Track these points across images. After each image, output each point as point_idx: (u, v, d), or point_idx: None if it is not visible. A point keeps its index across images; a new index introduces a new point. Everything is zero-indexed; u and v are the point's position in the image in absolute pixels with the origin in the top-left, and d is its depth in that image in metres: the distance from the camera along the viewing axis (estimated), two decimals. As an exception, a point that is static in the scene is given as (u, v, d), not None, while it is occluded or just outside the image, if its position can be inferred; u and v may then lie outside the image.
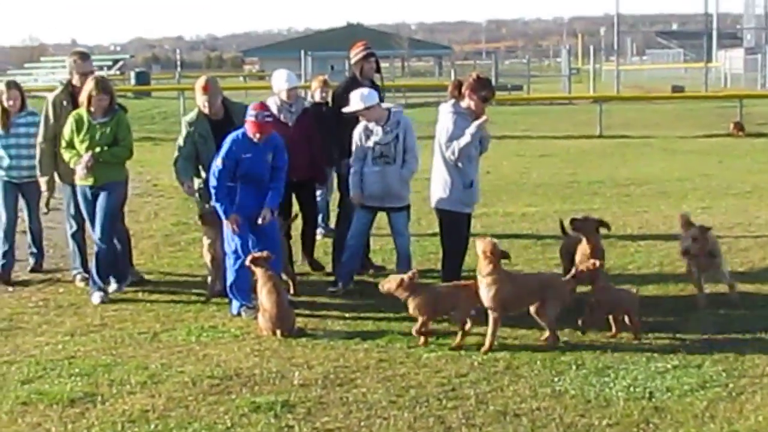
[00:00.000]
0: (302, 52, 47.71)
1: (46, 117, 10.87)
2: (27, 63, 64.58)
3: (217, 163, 9.78)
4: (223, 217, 9.80)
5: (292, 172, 10.40)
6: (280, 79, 11.08)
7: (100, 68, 52.25)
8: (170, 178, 19.83)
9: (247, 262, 9.36)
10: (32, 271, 11.79)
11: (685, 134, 29.72)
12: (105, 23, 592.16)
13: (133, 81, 50.57)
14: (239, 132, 9.79)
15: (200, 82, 10.58)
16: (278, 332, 8.98)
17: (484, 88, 9.77)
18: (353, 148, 10.56)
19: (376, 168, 10.41)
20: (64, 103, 10.81)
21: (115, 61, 59.17)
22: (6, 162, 11.40)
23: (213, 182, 9.82)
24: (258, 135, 9.62)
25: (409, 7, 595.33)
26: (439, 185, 9.93)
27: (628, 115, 34.75)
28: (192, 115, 10.62)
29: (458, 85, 9.91)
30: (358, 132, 10.49)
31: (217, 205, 9.82)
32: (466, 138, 9.58)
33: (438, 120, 9.95)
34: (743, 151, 25.29)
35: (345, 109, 10.57)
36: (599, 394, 7.37)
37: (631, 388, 7.47)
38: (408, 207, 10.81)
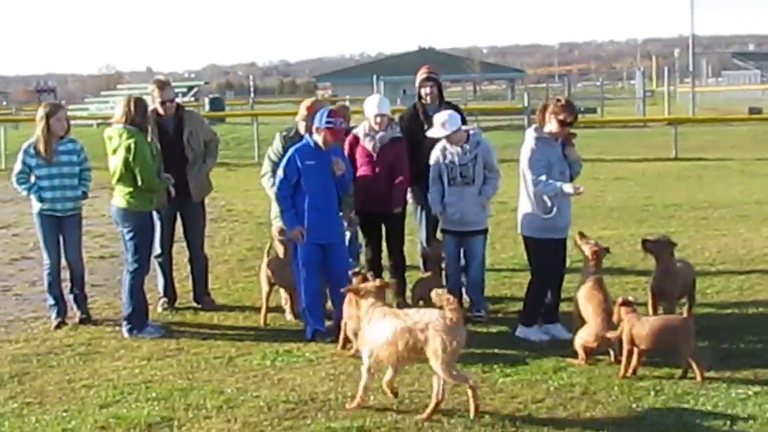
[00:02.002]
0: (374, 76, 47.92)
1: None
2: (104, 91, 65.61)
3: (279, 173, 9.88)
4: (287, 228, 9.87)
5: (374, 203, 10.47)
6: (371, 105, 10.80)
7: (175, 95, 52.93)
8: (244, 203, 20.20)
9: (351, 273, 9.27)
10: (60, 323, 10.67)
11: (763, 156, 29.22)
12: (179, 50, 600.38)
13: (207, 107, 51.04)
14: (300, 144, 9.91)
15: (307, 102, 10.73)
16: None
17: (563, 112, 9.63)
18: (431, 167, 10.51)
19: (455, 189, 10.40)
20: (149, 128, 10.90)
21: (190, 88, 59.77)
22: (49, 194, 10.58)
23: (277, 193, 9.94)
24: (333, 141, 9.77)
25: (481, 30, 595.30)
26: (522, 211, 9.81)
27: (704, 138, 34.35)
28: (291, 129, 10.72)
29: (543, 109, 9.81)
30: (436, 153, 10.47)
31: (283, 218, 9.90)
32: (551, 189, 9.45)
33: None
34: (823, 174, 24.82)
35: (429, 133, 10.52)
36: (679, 421, 7.25)
37: (712, 416, 7.35)
38: (485, 231, 10.76)
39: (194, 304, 11.37)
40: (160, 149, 10.75)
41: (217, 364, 9.07)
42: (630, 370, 8.32)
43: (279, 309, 10.70)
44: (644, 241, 9.92)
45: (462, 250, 10.69)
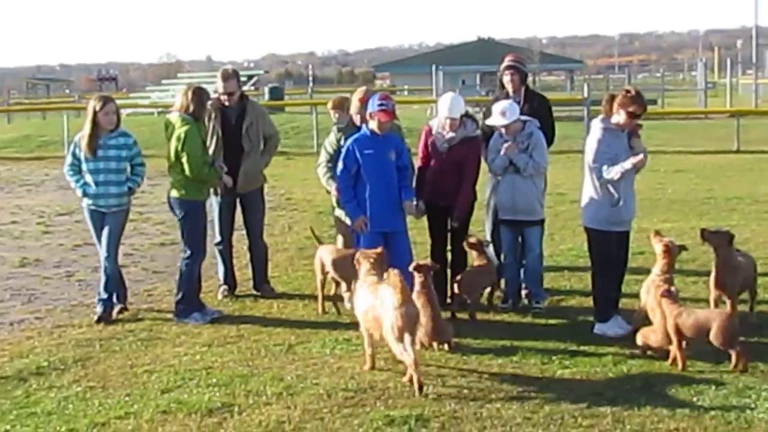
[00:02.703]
0: (433, 67, 47.78)
1: None
2: (164, 80, 66.10)
3: (339, 165, 9.99)
4: (349, 220, 9.93)
5: (437, 197, 10.46)
6: (443, 106, 10.49)
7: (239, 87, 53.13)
8: (303, 192, 20.30)
9: (411, 268, 9.18)
10: (98, 320, 10.38)
11: (826, 149, 28.87)
12: (239, 40, 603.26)
13: (267, 96, 51.26)
14: (358, 135, 10.00)
15: (359, 94, 10.75)
16: (435, 344, 9.01)
17: (633, 103, 9.52)
18: (488, 155, 10.54)
19: (507, 177, 10.40)
20: (213, 114, 11.04)
21: (250, 77, 60.01)
22: (92, 189, 10.44)
23: (339, 184, 10.05)
24: (386, 122, 9.84)
25: (541, 21, 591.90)
26: (586, 202, 9.69)
27: (767, 130, 33.92)
28: (344, 122, 10.80)
29: (610, 100, 9.69)
30: (494, 140, 10.50)
31: (344, 208, 9.96)
32: (614, 173, 9.38)
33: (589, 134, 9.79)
34: None
35: (488, 122, 10.57)
36: (740, 416, 7.18)
37: (774, 410, 7.28)
38: (542, 222, 10.72)
39: (254, 292, 11.46)
40: (221, 136, 10.87)
41: (277, 351, 9.13)
42: (680, 362, 8.29)
43: (339, 297, 10.74)
44: (703, 231, 9.83)
45: (522, 243, 10.67)
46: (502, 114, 10.33)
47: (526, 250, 10.67)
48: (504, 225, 10.66)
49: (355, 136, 10.02)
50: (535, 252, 10.66)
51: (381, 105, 9.83)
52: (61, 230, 16.33)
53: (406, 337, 7.86)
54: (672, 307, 8.45)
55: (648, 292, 9.01)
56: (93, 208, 10.50)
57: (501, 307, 10.60)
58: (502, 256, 10.81)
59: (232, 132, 11.07)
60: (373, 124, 9.89)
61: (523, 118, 10.54)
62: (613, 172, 9.31)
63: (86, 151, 10.32)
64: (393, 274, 8.12)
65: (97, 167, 10.36)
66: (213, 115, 11.00)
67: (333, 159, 10.52)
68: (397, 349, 7.92)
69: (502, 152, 10.20)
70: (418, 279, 9.14)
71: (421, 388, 7.74)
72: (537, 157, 10.42)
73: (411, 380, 7.84)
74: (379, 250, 8.91)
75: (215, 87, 11.32)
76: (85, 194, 10.46)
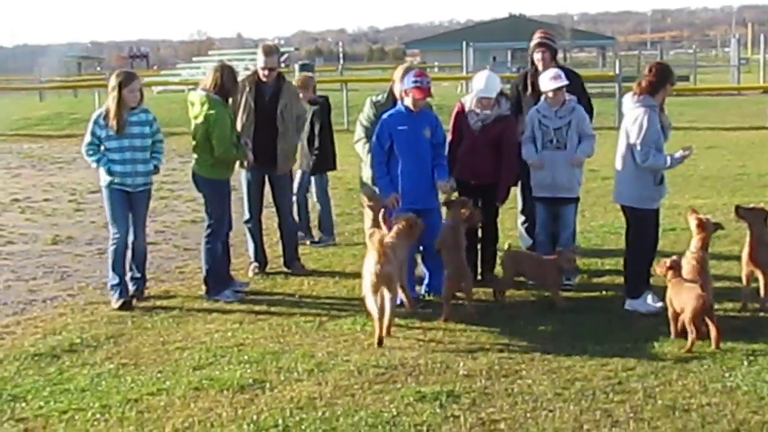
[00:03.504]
0: (464, 43, 47.56)
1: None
2: (195, 57, 66.23)
3: (372, 140, 9.97)
4: (382, 195, 9.92)
5: (470, 175, 10.39)
6: (478, 85, 10.37)
7: (279, 64, 53.18)
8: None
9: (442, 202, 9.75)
10: (125, 303, 10.08)
11: None
12: (269, 17, 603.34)
13: (297, 73, 51.23)
14: (392, 111, 9.99)
15: (400, 69, 10.55)
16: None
17: (671, 73, 9.56)
18: (526, 127, 10.46)
19: (547, 152, 10.34)
20: (246, 89, 11.05)
21: (280, 54, 60.15)
22: (119, 167, 10.07)
23: (372, 159, 10.03)
24: (421, 99, 9.83)
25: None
26: (627, 181, 9.52)
27: (800, 106, 33.63)
28: (382, 97, 10.65)
29: (655, 77, 9.52)
30: (531, 116, 10.44)
31: (378, 185, 10.00)
32: (662, 162, 9.32)
33: (625, 113, 9.66)
34: None
35: (542, 86, 10.40)
36: (773, 391, 7.17)
37: (807, 386, 7.24)
38: (577, 200, 10.68)
39: (285, 269, 11.48)
40: (253, 110, 10.89)
41: (308, 328, 9.16)
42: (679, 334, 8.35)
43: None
44: (737, 208, 9.76)
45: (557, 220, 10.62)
46: (555, 78, 10.27)
47: (560, 227, 10.61)
48: (540, 202, 10.61)
49: (390, 111, 10.00)
50: (570, 229, 10.62)
51: (416, 82, 9.80)
52: (93, 207, 16.39)
53: (384, 292, 8.60)
54: (672, 279, 8.57)
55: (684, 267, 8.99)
56: (119, 187, 10.10)
57: (531, 283, 10.56)
58: (535, 233, 10.77)
59: (266, 109, 11.05)
60: (407, 101, 9.87)
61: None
62: (662, 163, 9.26)
63: (112, 128, 9.99)
64: (376, 234, 8.78)
65: (121, 145, 10.03)
66: (248, 89, 11.00)
67: (370, 133, 10.41)
68: (368, 302, 8.67)
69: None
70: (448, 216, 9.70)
71: (380, 341, 8.46)
72: (584, 131, 10.42)
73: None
74: (410, 215, 9.36)
75: (254, 62, 11.33)
76: (110, 173, 10.04)
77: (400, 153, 9.87)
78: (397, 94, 10.33)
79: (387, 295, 8.63)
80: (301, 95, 11.91)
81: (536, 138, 10.42)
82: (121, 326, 9.38)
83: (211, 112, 10.10)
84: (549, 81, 10.30)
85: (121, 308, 9.98)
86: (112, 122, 9.98)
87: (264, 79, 11.11)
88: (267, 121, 11.02)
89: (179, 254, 12.75)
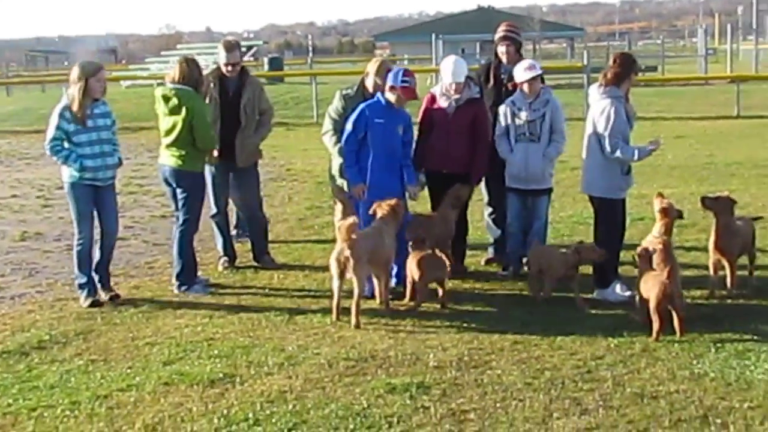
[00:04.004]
0: (433, 36, 47.60)
1: None
2: (164, 51, 65.91)
3: (348, 127, 9.91)
4: (349, 184, 9.91)
5: (443, 164, 10.38)
6: (447, 72, 10.39)
7: (241, 59, 53.01)
8: (303, 162, 20.29)
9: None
10: (94, 302, 9.94)
11: (827, 113, 28.85)
12: (238, 10, 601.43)
13: (266, 67, 51.17)
14: (372, 100, 9.96)
15: (377, 61, 10.63)
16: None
17: (635, 64, 9.65)
18: (498, 121, 10.45)
19: (521, 145, 10.36)
20: (211, 85, 11.03)
21: (249, 48, 59.86)
22: (91, 162, 9.75)
23: (343, 147, 9.98)
24: (406, 100, 9.88)
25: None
26: (595, 171, 9.63)
27: (767, 95, 33.85)
28: (352, 90, 10.57)
29: (619, 68, 9.58)
30: (504, 109, 10.42)
31: (346, 174, 9.99)
32: (630, 154, 9.41)
33: (591, 105, 9.71)
34: None
35: (517, 77, 10.36)
36: (740, 377, 7.23)
37: (774, 372, 7.31)
38: (550, 191, 10.72)
39: (255, 264, 11.47)
40: (218, 104, 10.88)
41: (278, 321, 9.15)
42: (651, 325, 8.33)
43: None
44: (703, 199, 9.83)
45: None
46: (530, 68, 10.31)
47: (532, 218, 10.63)
48: (513, 193, 10.60)
49: (369, 102, 9.96)
50: (542, 220, 10.66)
51: (406, 81, 9.83)
52: (61, 203, 16.22)
53: (350, 273, 9.06)
54: (640, 267, 8.66)
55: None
56: (89, 182, 9.82)
57: (501, 274, 10.61)
58: (507, 225, 10.79)
59: (230, 104, 11.05)
60: (391, 97, 9.86)
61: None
62: (629, 155, 9.33)
63: (79, 120, 9.68)
64: (344, 222, 9.17)
65: (90, 138, 9.74)
66: (212, 85, 10.99)
67: (339, 126, 10.36)
68: (333, 282, 9.12)
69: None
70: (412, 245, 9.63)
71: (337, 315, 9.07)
72: (557, 125, 10.43)
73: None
74: (394, 201, 9.53)
75: (216, 58, 11.30)
76: (83, 168, 9.70)
77: (373, 146, 9.85)
78: (369, 87, 10.32)
79: (355, 277, 8.98)
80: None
81: (510, 130, 10.41)
82: (90, 322, 9.33)
83: (193, 103, 10.06)
84: (524, 71, 10.29)
85: (90, 306, 9.87)
86: (78, 114, 9.66)
87: (227, 75, 11.09)
88: (231, 115, 11.01)
89: (148, 249, 12.71)
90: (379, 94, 9.99)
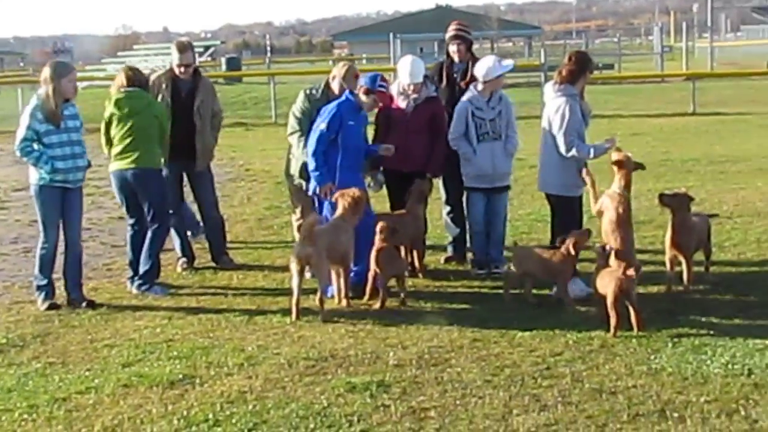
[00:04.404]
0: (391, 35, 47.60)
1: None
2: (120, 51, 65.50)
3: (322, 126, 9.83)
4: (317, 183, 9.87)
5: (403, 163, 10.38)
6: (404, 73, 10.43)
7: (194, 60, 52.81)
8: (262, 162, 20.24)
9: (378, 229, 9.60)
10: (51, 305, 9.82)
11: (781, 110, 29.15)
12: (196, 10, 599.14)
13: (224, 67, 51.05)
14: (343, 100, 9.93)
15: (345, 65, 10.70)
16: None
17: (591, 64, 9.77)
18: (456, 123, 10.39)
19: (486, 144, 10.37)
20: (163, 86, 11.02)
21: (207, 48, 59.61)
22: (62, 164, 9.59)
23: (313, 147, 9.87)
24: (378, 104, 10.03)
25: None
26: (551, 169, 9.74)
27: (722, 93, 34.22)
28: (316, 91, 10.52)
29: (573, 66, 9.66)
30: (462, 110, 10.37)
31: (315, 173, 9.90)
32: (585, 152, 9.50)
33: (546, 102, 9.79)
34: (843, 126, 24.71)
35: (485, 78, 10.33)
36: (697, 372, 7.29)
37: (730, 365, 7.38)
38: (509, 188, 10.78)
39: (213, 264, 11.43)
40: (170, 106, 10.91)
41: (238, 322, 9.13)
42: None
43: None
44: (661, 196, 9.91)
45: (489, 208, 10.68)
46: (500, 62, 10.40)
47: (493, 216, 10.67)
48: (477, 193, 10.59)
49: (341, 101, 9.92)
50: (502, 217, 10.74)
51: (382, 86, 9.95)
52: (17, 206, 16.18)
53: (310, 271, 9.32)
54: (598, 264, 8.76)
55: (606, 208, 9.20)
56: (60, 185, 9.65)
57: (477, 273, 10.56)
58: (470, 224, 10.79)
59: (183, 106, 11.02)
60: (365, 99, 9.90)
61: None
62: (585, 154, 9.42)
63: (52, 122, 9.52)
64: (300, 221, 9.56)
65: (61, 140, 9.58)
66: (164, 86, 10.97)
67: (303, 125, 10.32)
68: (293, 280, 9.10)
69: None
70: (379, 237, 9.55)
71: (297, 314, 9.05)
72: (511, 121, 10.54)
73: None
74: (358, 192, 9.57)
75: (170, 59, 11.28)
76: (54, 170, 9.52)
77: (343, 146, 9.82)
78: (335, 89, 10.32)
79: (319, 275, 9.15)
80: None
81: (470, 130, 10.37)
82: (48, 325, 9.27)
83: (155, 103, 10.36)
84: (496, 67, 10.35)
85: (48, 309, 9.75)
86: (52, 114, 9.50)
87: (180, 76, 11.06)
88: (184, 117, 10.98)
89: (106, 251, 12.63)
90: (349, 95, 9.97)
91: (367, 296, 9.58)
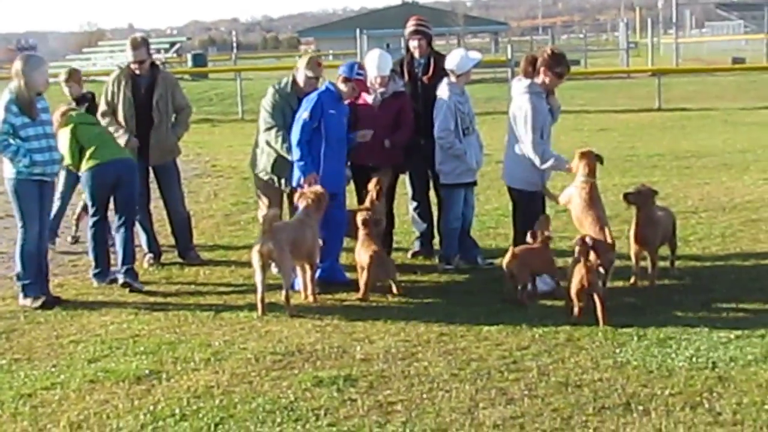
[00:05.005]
0: (357, 31, 47.56)
1: (106, 94, 11.16)
2: (85, 48, 65.13)
3: (305, 116, 9.80)
4: (301, 173, 9.85)
5: (370, 157, 10.41)
6: (371, 65, 10.43)
7: (157, 51, 52.51)
8: (228, 158, 20.19)
9: (359, 221, 9.71)
10: (46, 302, 9.67)
11: (746, 106, 29.38)
12: (161, 7, 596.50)
13: (190, 63, 50.88)
14: (323, 89, 9.93)
15: (311, 57, 10.76)
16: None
17: (559, 65, 9.66)
18: (445, 120, 10.23)
19: (469, 138, 10.40)
20: (123, 83, 11.04)
21: (172, 44, 59.49)
22: (40, 156, 9.50)
23: (297, 136, 9.82)
24: (356, 92, 10.06)
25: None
26: (515, 164, 9.79)
27: (687, 88, 34.41)
28: (285, 83, 10.46)
29: (532, 61, 9.70)
30: (450, 104, 10.24)
31: (299, 163, 9.86)
32: (546, 164, 9.56)
33: (512, 98, 9.84)
34: (806, 121, 24.92)
35: (460, 71, 10.32)
36: (661, 365, 7.34)
37: (694, 359, 7.43)
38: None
39: (180, 260, 11.40)
40: (132, 102, 10.99)
41: (204, 317, 9.11)
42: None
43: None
44: (626, 195, 9.89)
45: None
46: (469, 55, 10.49)
47: (467, 209, 10.74)
48: (461, 189, 10.55)
49: (321, 91, 9.93)
50: (473, 209, 10.94)
51: (359, 74, 9.99)
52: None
53: (274, 266, 9.29)
54: (576, 256, 8.73)
55: (572, 196, 9.34)
56: (38, 178, 9.57)
57: (445, 268, 10.55)
58: (448, 221, 10.66)
59: (143, 101, 11.06)
60: (343, 88, 9.93)
61: None
62: (544, 164, 9.54)
63: (28, 114, 9.42)
64: (264, 215, 9.58)
65: (37, 132, 9.49)
66: (124, 83, 10.99)
67: (277, 120, 10.23)
68: (256, 276, 9.10)
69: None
70: (363, 231, 9.65)
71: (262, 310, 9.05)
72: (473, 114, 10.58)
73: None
74: (319, 190, 9.54)
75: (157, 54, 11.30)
76: (33, 163, 9.41)
77: (326, 136, 9.81)
78: (300, 81, 10.30)
79: (279, 270, 9.23)
80: (67, 90, 12.33)
81: (456, 126, 10.27)
82: (12, 321, 9.21)
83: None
84: (466, 58, 10.37)
85: (42, 308, 9.53)
86: (27, 107, 9.41)
87: (137, 72, 11.05)
88: (145, 113, 11.02)
89: (72, 247, 12.55)
90: (329, 84, 9.97)
91: (361, 294, 9.57)
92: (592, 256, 8.60)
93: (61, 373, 7.67)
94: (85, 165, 10.26)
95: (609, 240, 8.80)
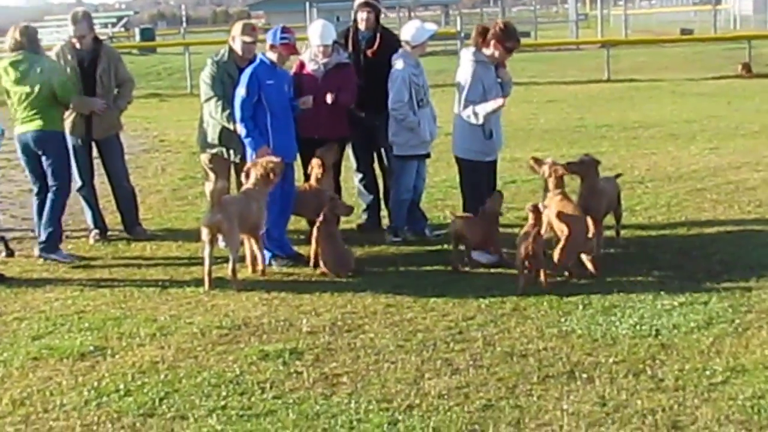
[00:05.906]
0: (307, 4, 47.41)
1: None
2: (32, 23, 64.41)
3: (241, 92, 9.68)
4: (252, 149, 9.75)
5: (315, 129, 10.33)
6: (314, 34, 10.42)
7: (104, 26, 52.04)
8: (177, 133, 20.06)
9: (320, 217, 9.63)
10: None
11: (693, 77, 29.60)
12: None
13: (137, 38, 50.40)
14: (257, 63, 9.81)
15: (245, 23, 10.67)
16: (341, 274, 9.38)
17: (510, 39, 9.65)
18: (399, 92, 10.13)
19: (424, 110, 10.34)
20: (68, 56, 10.93)
21: (120, 18, 58.93)
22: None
23: (239, 114, 9.70)
24: (288, 56, 9.87)
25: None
26: (459, 134, 9.81)
27: (636, 60, 34.61)
28: (222, 54, 10.35)
29: (482, 32, 9.68)
30: (405, 75, 10.15)
31: (247, 139, 9.75)
32: (480, 117, 9.54)
33: (459, 66, 9.85)
34: (752, 92, 25.15)
35: (415, 42, 10.26)
36: (606, 333, 7.40)
37: (638, 326, 7.50)
38: None
39: (127, 235, 11.32)
40: (78, 74, 10.88)
41: (150, 292, 9.06)
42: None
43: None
44: (568, 164, 9.87)
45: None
46: (426, 25, 10.51)
47: (419, 181, 10.76)
48: (413, 161, 10.51)
49: (254, 64, 9.80)
50: (425, 181, 10.96)
51: (284, 38, 9.74)
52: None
53: (222, 240, 9.34)
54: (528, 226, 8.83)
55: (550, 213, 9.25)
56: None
57: (393, 240, 10.56)
58: (399, 193, 10.63)
59: (86, 75, 10.97)
60: (272, 56, 9.76)
61: None
62: (480, 117, 9.47)
63: None
64: (212, 187, 9.34)
65: None
66: (69, 57, 10.89)
67: (216, 91, 10.14)
68: (204, 249, 9.10)
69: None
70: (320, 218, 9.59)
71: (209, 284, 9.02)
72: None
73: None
74: (275, 160, 9.41)
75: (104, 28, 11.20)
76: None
77: (270, 107, 9.68)
78: (237, 49, 10.19)
79: (227, 244, 9.22)
80: None
81: (411, 98, 10.18)
82: (-45, 299, 9.12)
83: (41, 60, 10.17)
84: (422, 30, 10.33)
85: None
86: None
87: (78, 46, 10.97)
88: (88, 86, 10.94)
89: (17, 224, 12.40)
90: (261, 56, 9.87)
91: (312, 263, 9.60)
92: (542, 226, 8.69)
93: (4, 351, 7.59)
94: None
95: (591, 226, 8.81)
